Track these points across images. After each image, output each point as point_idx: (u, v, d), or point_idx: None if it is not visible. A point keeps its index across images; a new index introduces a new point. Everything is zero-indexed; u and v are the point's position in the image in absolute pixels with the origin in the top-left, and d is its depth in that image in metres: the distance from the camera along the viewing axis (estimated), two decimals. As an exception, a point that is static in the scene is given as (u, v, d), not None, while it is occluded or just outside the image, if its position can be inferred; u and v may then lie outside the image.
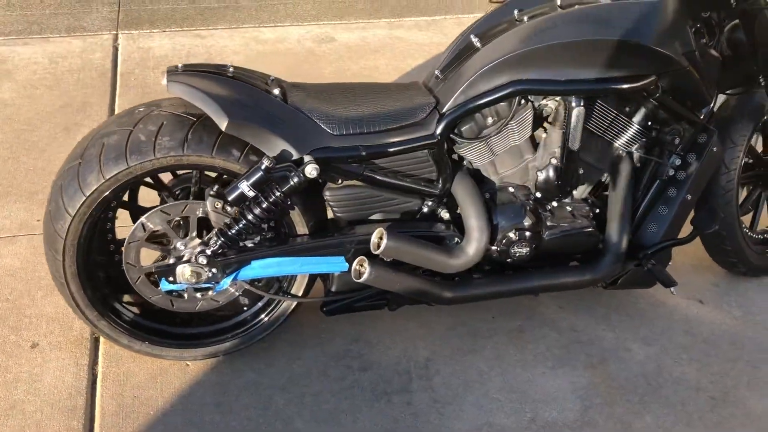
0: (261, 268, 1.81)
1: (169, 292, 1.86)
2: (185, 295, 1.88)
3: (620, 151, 2.04)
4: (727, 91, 2.19)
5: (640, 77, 1.85)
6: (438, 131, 1.84)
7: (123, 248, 1.81)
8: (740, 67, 2.08)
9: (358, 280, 1.81)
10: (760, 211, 2.44)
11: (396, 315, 2.18)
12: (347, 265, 1.85)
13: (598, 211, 2.10)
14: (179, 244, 1.80)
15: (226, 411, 1.91)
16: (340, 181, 1.84)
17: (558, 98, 1.89)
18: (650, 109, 1.98)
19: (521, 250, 1.96)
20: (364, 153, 1.78)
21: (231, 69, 1.77)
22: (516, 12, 1.92)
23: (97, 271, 1.88)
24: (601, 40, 1.79)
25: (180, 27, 4.12)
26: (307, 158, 1.71)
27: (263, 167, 1.65)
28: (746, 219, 2.44)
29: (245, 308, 2.02)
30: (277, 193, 1.69)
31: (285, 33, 4.14)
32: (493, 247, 1.96)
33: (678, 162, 2.07)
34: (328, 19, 4.35)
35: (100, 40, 3.94)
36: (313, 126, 1.75)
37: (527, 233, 1.95)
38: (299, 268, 1.83)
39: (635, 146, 2.03)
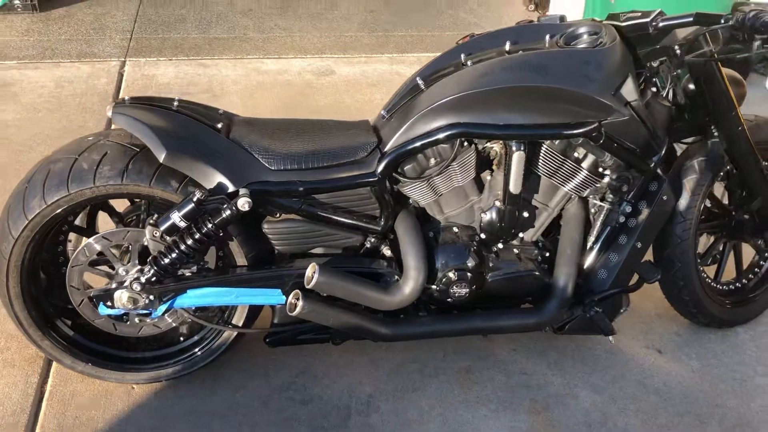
0: (197, 297, 1.85)
1: (111, 316, 1.91)
2: (128, 320, 1.92)
3: (571, 196, 2.04)
4: (684, 141, 2.18)
5: (581, 124, 1.85)
6: (379, 170, 1.87)
7: (67, 272, 1.87)
8: (694, 117, 2.07)
9: (291, 314, 1.84)
10: (724, 262, 2.40)
11: (346, 349, 2.20)
12: (284, 297, 1.88)
13: (548, 254, 2.10)
14: (121, 270, 1.85)
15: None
16: (278, 215, 1.88)
17: (501, 142, 1.91)
18: (598, 156, 1.98)
19: (461, 291, 1.97)
20: (301, 188, 1.82)
21: (176, 103, 1.84)
22: (463, 56, 1.95)
23: (43, 293, 1.94)
24: (538, 87, 1.81)
25: (186, 56, 4.25)
26: (242, 191, 1.76)
27: (194, 199, 1.70)
28: (712, 269, 2.42)
29: (187, 336, 2.05)
30: (209, 225, 1.74)
31: (287, 65, 4.24)
32: (433, 287, 1.97)
33: (629, 209, 2.06)
34: (331, 53, 4.45)
35: (107, 66, 4.09)
36: (251, 160, 1.80)
37: (468, 274, 1.96)
38: (235, 299, 1.87)
39: (586, 191, 2.03)
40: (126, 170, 1.75)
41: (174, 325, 1.97)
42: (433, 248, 1.98)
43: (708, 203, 2.30)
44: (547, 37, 1.95)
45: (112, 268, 1.90)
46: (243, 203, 1.74)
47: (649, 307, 2.46)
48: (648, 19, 1.89)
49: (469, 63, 1.91)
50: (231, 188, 1.77)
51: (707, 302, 2.30)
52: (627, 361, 2.29)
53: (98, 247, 1.83)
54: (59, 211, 1.77)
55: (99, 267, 1.92)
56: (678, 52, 1.89)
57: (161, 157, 1.72)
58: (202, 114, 1.86)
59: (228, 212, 1.73)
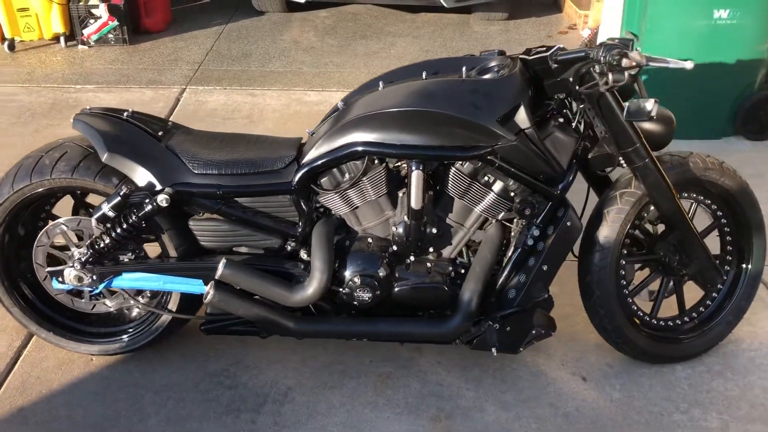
0: (130, 280, 2.15)
1: (70, 292, 2.25)
2: (83, 297, 2.25)
3: (483, 217, 2.17)
4: (601, 171, 2.25)
5: (473, 148, 2.00)
6: (294, 180, 2.10)
7: (33, 251, 2.23)
8: (602, 147, 2.15)
9: (204, 302, 2.09)
10: (660, 296, 2.40)
11: (282, 346, 2.43)
12: (204, 287, 2.14)
13: (463, 271, 2.22)
14: (75, 252, 2.19)
15: (101, 400, 2.24)
16: (201, 214, 2.15)
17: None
18: (502, 180, 2.10)
19: (364, 296, 2.14)
20: (219, 191, 2.08)
21: (126, 114, 2.17)
22: (381, 83, 2.16)
23: (15, 265, 2.30)
24: (428, 112, 1.98)
25: (240, 86, 4.69)
26: (166, 190, 2.05)
27: (121, 193, 2.01)
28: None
29: (133, 317, 2.36)
30: (134, 217, 2.04)
31: (328, 97, 4.56)
32: (340, 290, 2.16)
33: (537, 233, 2.16)
34: (372, 88, 4.72)
35: (169, 92, 4.59)
36: (178, 164, 2.09)
37: (373, 281, 2.13)
38: (162, 285, 2.15)
39: (498, 214, 2.15)
40: (77, 167, 2.10)
41: (119, 306, 2.28)
42: (345, 255, 2.17)
43: (641, 235, 2.34)
44: (464, 68, 2.12)
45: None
46: (162, 199, 2.03)
47: (590, 338, 2.49)
48: (548, 53, 2.02)
49: (380, 87, 2.12)
50: (158, 187, 2.07)
51: (632, 334, 2.32)
52: (547, 384, 2.34)
53: (57, 231, 2.18)
54: (24, 198, 2.13)
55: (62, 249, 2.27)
56: (571, 85, 2.00)
57: (103, 156, 2.06)
58: (147, 123, 2.18)
59: (149, 207, 2.03)
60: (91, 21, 5.27)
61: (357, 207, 2.17)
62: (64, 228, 2.18)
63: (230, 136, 2.26)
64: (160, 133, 2.15)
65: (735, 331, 2.52)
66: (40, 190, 2.13)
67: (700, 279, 2.34)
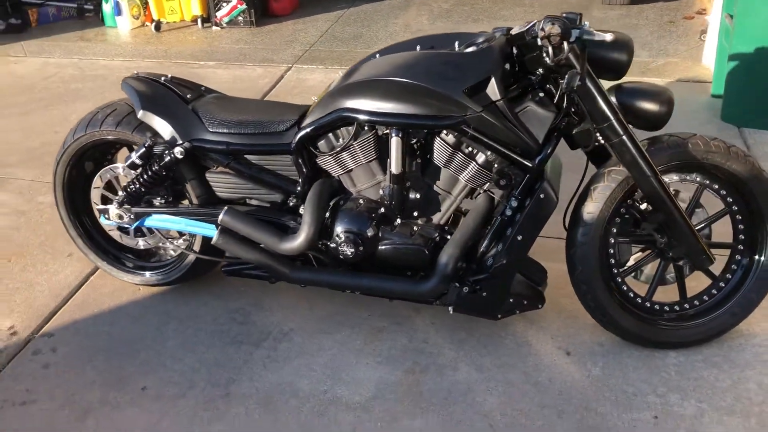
0: (158, 220, 2.52)
1: (120, 228, 2.66)
2: (129, 234, 2.66)
3: (468, 186, 2.28)
4: (584, 147, 2.25)
5: (444, 117, 2.12)
6: (293, 141, 2.34)
7: (91, 191, 2.67)
8: (586, 123, 2.16)
9: (211, 243, 2.40)
10: (656, 279, 2.35)
11: (296, 295, 2.69)
12: (215, 231, 2.45)
13: (449, 237, 2.35)
14: (120, 193, 2.59)
15: (136, 323, 2.64)
16: (216, 167, 2.45)
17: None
18: (482, 151, 2.20)
19: (348, 251, 2.33)
20: (226, 147, 2.37)
21: (164, 78, 2.52)
22: (378, 55, 2.33)
23: (81, 202, 2.74)
24: (404, 82, 2.12)
25: (340, 66, 4.99)
26: (184, 144, 2.38)
27: (146, 144, 2.36)
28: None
29: (167, 254, 2.73)
30: (156, 166, 2.39)
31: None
32: (329, 244, 2.37)
33: (515, 204, 2.23)
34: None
35: (276, 70, 5.01)
36: (197, 123, 2.41)
37: (357, 238, 2.31)
38: (183, 227, 2.49)
39: (483, 184, 2.25)
40: (120, 122, 2.49)
41: (156, 244, 2.66)
42: (337, 212, 2.38)
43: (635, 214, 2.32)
44: (456, 43, 2.24)
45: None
46: (178, 151, 2.36)
47: (590, 317, 2.50)
48: (525, 29, 2.09)
49: (377, 56, 2.29)
50: (179, 141, 2.40)
51: (617, 313, 2.31)
52: (528, 354, 2.41)
53: (108, 176, 2.60)
54: (81, 146, 2.56)
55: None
56: (547, 61, 2.04)
57: (138, 113, 2.42)
58: (180, 87, 2.51)
59: (168, 157, 2.37)
60: (224, 4, 5.84)
61: (351, 170, 2.37)
62: (111, 173, 2.59)
63: (250, 101, 2.55)
64: (188, 96, 2.48)
65: (750, 325, 2.42)
66: (93, 140, 2.54)
67: (689, 261, 2.27)
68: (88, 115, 2.57)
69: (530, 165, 2.17)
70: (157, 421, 2.22)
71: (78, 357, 2.49)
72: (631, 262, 2.38)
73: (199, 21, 5.93)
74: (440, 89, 2.09)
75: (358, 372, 2.37)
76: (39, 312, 2.71)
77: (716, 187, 2.29)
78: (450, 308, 2.31)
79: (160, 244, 2.67)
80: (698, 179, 2.28)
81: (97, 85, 4.83)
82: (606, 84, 2.21)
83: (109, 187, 2.64)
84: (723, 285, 2.37)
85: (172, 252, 2.72)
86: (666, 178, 2.26)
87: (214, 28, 5.90)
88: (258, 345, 2.51)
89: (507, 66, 2.12)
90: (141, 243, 2.67)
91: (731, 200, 2.30)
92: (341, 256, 2.36)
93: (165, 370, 2.41)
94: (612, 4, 6.00)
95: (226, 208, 2.36)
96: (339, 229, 2.34)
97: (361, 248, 2.33)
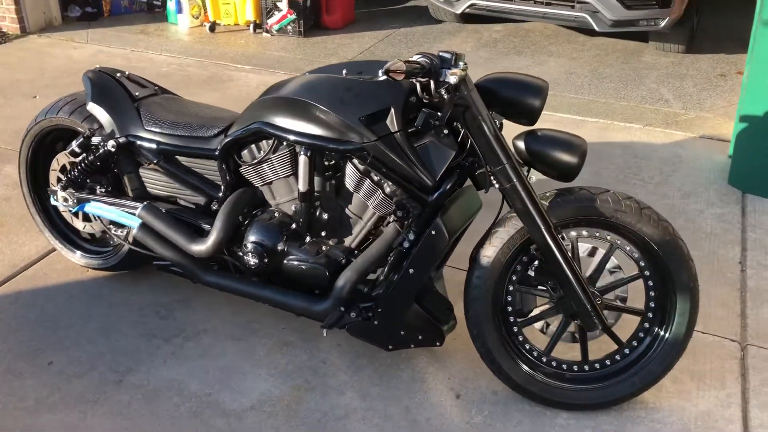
0: (95, 207, 2.65)
1: (74, 214, 2.81)
2: (78, 217, 2.82)
3: (376, 214, 2.28)
4: (481, 189, 2.20)
5: (345, 142, 2.14)
6: (218, 148, 2.42)
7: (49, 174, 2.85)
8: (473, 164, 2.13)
9: (131, 235, 2.52)
10: (556, 336, 2.27)
11: (226, 299, 2.74)
12: (139, 222, 2.55)
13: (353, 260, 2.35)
14: (62, 178, 2.74)
15: (71, 300, 2.78)
16: (148, 164, 2.56)
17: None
18: (386, 180, 2.20)
19: (251, 261, 2.37)
20: (157, 146, 2.48)
21: (119, 74, 2.66)
22: (307, 74, 2.37)
23: (42, 182, 2.92)
24: (309, 103, 2.16)
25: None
26: (118, 138, 2.50)
27: (84, 135, 2.51)
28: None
29: (109, 242, 2.87)
30: (92, 156, 2.52)
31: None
32: (237, 251, 2.43)
33: (411, 237, 2.22)
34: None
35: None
36: (136, 120, 2.53)
37: (261, 249, 2.36)
38: (114, 216, 2.61)
39: (387, 212, 2.25)
40: (74, 111, 2.65)
41: (99, 231, 2.80)
42: (251, 224, 2.43)
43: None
44: (380, 71, 2.26)
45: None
46: (111, 144, 2.49)
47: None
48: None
49: (306, 75, 2.34)
50: (117, 134, 2.53)
51: (506, 363, 2.25)
52: (418, 390, 2.37)
53: (63, 160, 2.76)
54: (42, 129, 2.74)
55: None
56: (444, 96, 2.02)
57: (87, 105, 2.57)
58: (133, 84, 2.64)
59: (102, 149, 2.50)
60: (275, 12, 6.04)
61: (271, 182, 2.42)
62: (65, 158, 2.75)
63: (195, 105, 2.65)
64: (136, 93, 2.61)
65: (658, 399, 2.30)
66: (51, 125, 2.72)
67: (579, 321, 2.18)
68: (51, 104, 2.75)
69: (426, 199, 2.16)
70: (48, 395, 2.34)
71: (7, 325, 2.65)
72: (536, 313, 2.31)
73: (251, 26, 6.15)
74: (338, 114, 2.11)
75: (247, 381, 2.41)
76: (-8, 278, 2.91)
77: (628, 248, 2.19)
78: (324, 330, 2.31)
79: (104, 232, 2.81)
80: (609, 238, 2.19)
81: (135, 77, 5.11)
82: (522, 129, 2.18)
83: (64, 170, 2.81)
84: (628, 352, 2.27)
85: (113, 240, 2.85)
86: (574, 233, 2.19)
87: (265, 34, 6.11)
88: (168, 341, 2.59)
89: (413, 99, 2.11)
90: (86, 227, 2.82)
91: (643, 264, 2.20)
92: (246, 265, 2.41)
93: (76, 349, 2.54)
94: (666, 51, 5.78)
95: (145, 203, 2.47)
96: (249, 238, 2.40)
97: (266, 260, 2.37)
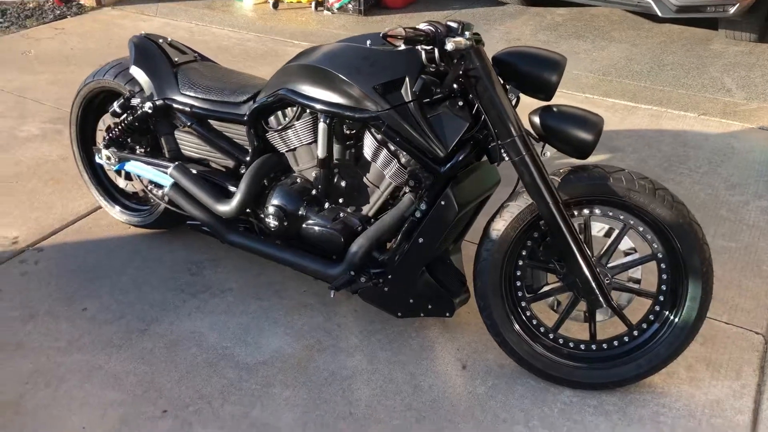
0: (134, 166, 2.80)
1: (117, 172, 2.98)
2: (122, 176, 2.98)
3: (392, 183, 2.33)
4: (494, 162, 2.20)
5: (361, 110, 2.19)
6: (246, 113, 2.51)
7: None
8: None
9: (163, 193, 2.65)
10: (564, 312, 2.27)
11: (253, 260, 2.86)
12: (171, 181, 2.68)
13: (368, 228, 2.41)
14: (105, 137, 2.90)
15: (107, 253, 2.95)
16: (182, 126, 2.68)
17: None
18: (401, 150, 2.24)
19: (272, 223, 2.46)
20: (191, 109, 2.59)
21: (162, 40, 2.78)
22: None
23: (91, 141, 3.10)
24: (328, 71, 2.22)
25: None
26: (155, 100, 2.63)
27: (125, 96, 2.65)
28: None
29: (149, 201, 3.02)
30: (131, 117, 2.66)
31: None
32: (260, 213, 2.52)
33: (423, 207, 2.26)
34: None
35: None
36: (174, 84, 2.65)
37: (281, 213, 2.44)
38: (151, 176, 2.75)
39: (402, 182, 2.29)
40: (119, 74, 2.80)
41: (140, 189, 2.95)
42: (275, 188, 2.51)
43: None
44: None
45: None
46: (148, 106, 2.62)
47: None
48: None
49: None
50: (156, 97, 2.66)
51: (510, 337, 2.27)
52: (424, 358, 2.42)
53: (107, 120, 2.92)
54: (90, 91, 2.90)
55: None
56: (456, 64, 2.05)
57: (130, 68, 2.71)
58: (172, 50, 2.76)
59: (139, 111, 2.64)
60: (337, -10, 6.11)
61: (295, 149, 2.50)
62: (110, 118, 2.91)
63: (229, 72, 2.75)
64: (176, 59, 2.73)
65: (666, 384, 2.28)
66: (98, 86, 2.88)
67: (583, 297, 2.17)
68: (100, 67, 2.91)
69: (438, 170, 2.19)
70: (79, 337, 2.50)
71: (50, 273, 2.84)
72: (545, 290, 2.31)
73: (313, 4, 6.25)
74: (354, 82, 2.16)
75: (263, 338, 2.51)
76: (42, 230, 3.11)
77: (641, 229, 2.17)
78: (332, 291, 2.37)
79: (143, 191, 2.96)
80: (621, 217, 2.17)
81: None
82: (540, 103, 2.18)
83: (109, 130, 2.97)
84: (636, 334, 2.24)
85: (152, 200, 3.00)
86: (587, 210, 2.18)
87: (326, 12, 6.20)
88: (195, 296, 2.72)
89: (432, 68, 2.13)
90: (127, 186, 2.98)
91: (656, 246, 2.17)
92: (266, 227, 2.50)
93: (108, 298, 2.70)
94: (737, 40, 5.55)
95: (176, 163, 2.59)
96: (271, 202, 2.48)
97: (285, 223, 2.46)
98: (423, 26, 2.00)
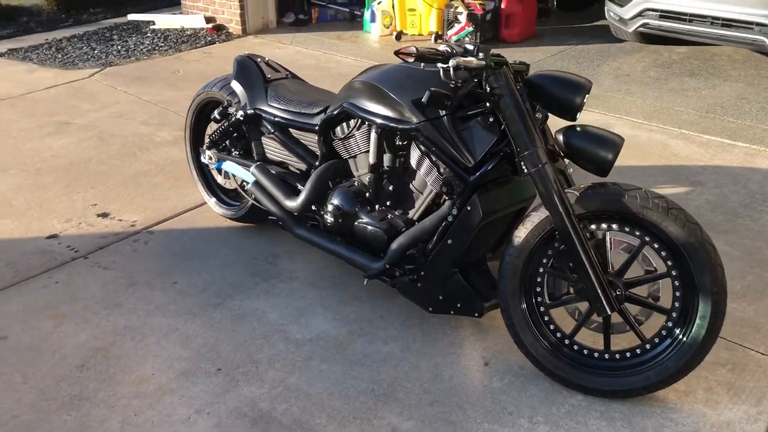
0: (229, 165, 3.26)
1: (218, 170, 3.47)
2: (221, 174, 3.47)
3: (433, 190, 2.60)
4: (517, 174, 2.38)
5: (403, 122, 2.48)
6: (317, 124, 2.89)
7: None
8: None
9: (245, 188, 3.08)
10: (579, 320, 2.41)
11: (321, 256, 3.22)
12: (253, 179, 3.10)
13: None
14: (206, 140, 3.39)
15: (203, 240, 3.43)
16: (268, 133, 3.10)
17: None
18: (438, 160, 2.51)
19: (329, 220, 2.80)
20: (273, 119, 3.01)
21: (260, 59, 3.24)
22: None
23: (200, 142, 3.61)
24: (380, 88, 2.53)
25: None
26: (246, 110, 3.08)
27: (223, 105, 3.12)
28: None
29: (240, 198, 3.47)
30: (227, 123, 3.13)
31: (593, 117, 4.85)
32: (322, 211, 2.87)
33: (455, 212, 2.50)
34: (648, 120, 4.81)
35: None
36: (263, 96, 3.08)
37: (337, 211, 2.78)
38: (241, 174, 3.19)
39: (439, 188, 2.55)
40: (223, 87, 3.28)
41: (234, 186, 3.42)
42: (336, 188, 2.86)
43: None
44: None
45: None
46: (240, 114, 3.07)
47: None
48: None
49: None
50: (249, 107, 3.11)
51: (528, 340, 2.43)
52: (452, 353, 2.63)
53: (213, 127, 3.42)
54: (201, 101, 3.42)
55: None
56: (482, 83, 2.30)
57: (231, 82, 3.19)
58: (267, 68, 3.21)
59: (233, 118, 3.09)
60: (455, 24, 6.46)
61: (355, 156, 2.84)
62: (212, 124, 3.40)
63: (312, 88, 3.15)
64: (269, 76, 3.17)
65: (677, 401, 2.36)
66: (208, 97, 3.38)
67: (590, 305, 2.30)
68: (211, 81, 3.42)
69: (467, 178, 2.43)
70: (166, 304, 2.96)
71: (156, 252, 3.36)
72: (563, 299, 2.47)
73: (433, 36, 6.61)
74: (397, 96, 2.47)
75: (314, 321, 2.84)
76: (156, 217, 3.66)
77: (656, 246, 2.28)
78: (365, 279, 2.66)
79: (238, 187, 3.42)
80: (637, 234, 2.29)
81: (318, 74, 5.81)
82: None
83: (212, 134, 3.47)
84: (648, 347, 2.34)
85: (242, 195, 3.45)
86: (605, 225, 2.33)
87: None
88: (266, 280, 3.11)
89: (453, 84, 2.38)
90: (225, 183, 3.45)
91: (671, 264, 2.27)
92: (324, 223, 2.85)
93: (196, 275, 3.16)
94: None
95: (258, 163, 3.01)
96: (331, 201, 2.83)
97: (340, 221, 2.79)
98: (441, 47, 2.27)
